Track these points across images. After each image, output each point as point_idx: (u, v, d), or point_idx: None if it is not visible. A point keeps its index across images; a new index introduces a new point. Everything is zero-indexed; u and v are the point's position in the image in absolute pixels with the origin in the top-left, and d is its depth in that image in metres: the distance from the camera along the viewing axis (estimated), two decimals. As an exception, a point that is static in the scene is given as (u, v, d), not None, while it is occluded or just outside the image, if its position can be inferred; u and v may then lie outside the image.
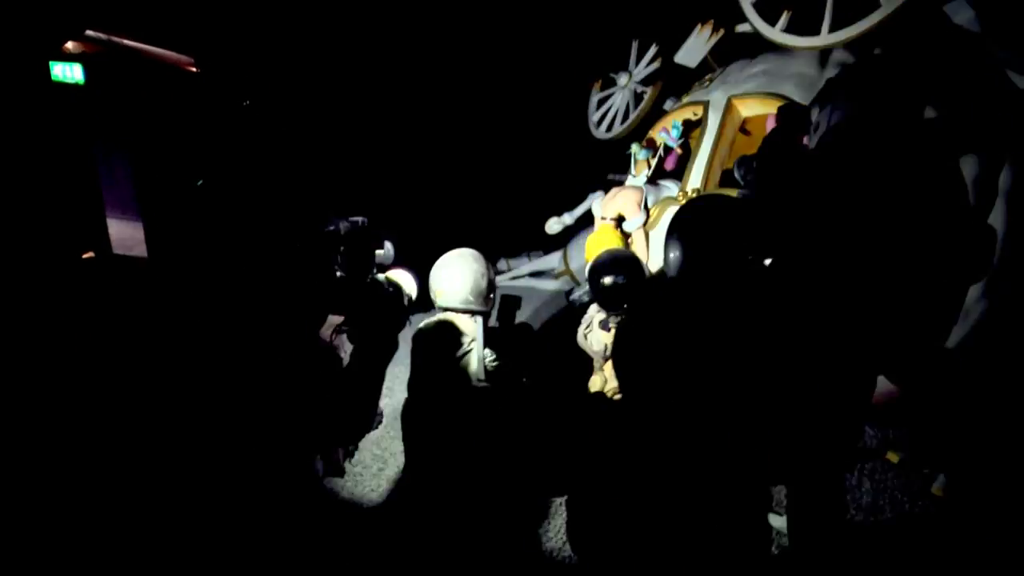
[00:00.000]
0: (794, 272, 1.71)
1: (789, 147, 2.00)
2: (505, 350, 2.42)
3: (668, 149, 3.56)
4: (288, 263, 1.78)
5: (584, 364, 3.95)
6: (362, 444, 2.83)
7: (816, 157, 1.79)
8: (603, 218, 3.36)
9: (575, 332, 2.61)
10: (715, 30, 3.70)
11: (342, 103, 5.84)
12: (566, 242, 5.04)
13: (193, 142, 5.30)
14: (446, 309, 2.26)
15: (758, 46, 3.44)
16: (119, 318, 3.85)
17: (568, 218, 4.38)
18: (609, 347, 2.36)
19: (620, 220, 3.34)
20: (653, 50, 4.25)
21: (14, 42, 4.42)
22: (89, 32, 4.97)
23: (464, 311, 2.24)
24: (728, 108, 3.27)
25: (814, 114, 1.93)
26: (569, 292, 2.81)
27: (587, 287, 2.79)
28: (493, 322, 2.44)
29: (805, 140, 2.01)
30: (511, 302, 2.51)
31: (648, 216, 3.32)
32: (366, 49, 5.64)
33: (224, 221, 4.73)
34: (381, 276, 2.20)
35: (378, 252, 2.15)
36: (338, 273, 1.88)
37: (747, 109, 3.24)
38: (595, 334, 2.44)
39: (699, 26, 3.75)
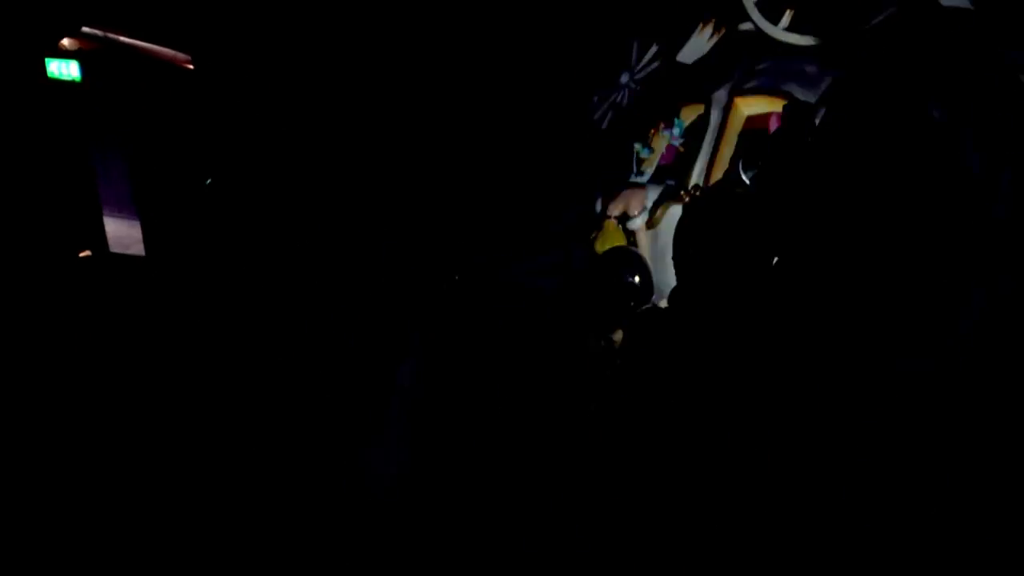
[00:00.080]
0: (801, 270, 1.72)
1: (795, 146, 2.00)
2: (509, 348, 2.43)
3: (670, 147, 3.57)
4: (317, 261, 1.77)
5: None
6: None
7: (823, 156, 1.79)
8: (606, 216, 3.37)
9: (577, 330, 2.62)
10: (717, 29, 3.70)
11: (340, 100, 5.82)
12: (564, 241, 5.04)
13: (191, 140, 5.27)
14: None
15: (760, 44, 3.45)
16: (118, 318, 3.82)
17: (568, 217, 4.38)
18: (616, 343, 2.37)
19: (622, 218, 3.35)
20: (654, 48, 4.24)
21: (9, 38, 4.39)
22: (86, 29, 4.93)
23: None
24: (730, 106, 3.27)
25: (821, 113, 1.93)
26: (572, 290, 2.81)
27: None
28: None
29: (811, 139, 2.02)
30: (513, 300, 2.51)
31: (651, 214, 3.32)
32: (363, 46, 5.61)
33: (224, 219, 4.70)
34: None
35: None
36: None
37: (749, 107, 3.25)
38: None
39: (701, 25, 3.75)
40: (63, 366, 3.15)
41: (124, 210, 5.60)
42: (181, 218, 5.01)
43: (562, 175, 4.97)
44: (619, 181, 4.05)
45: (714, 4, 3.68)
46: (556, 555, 2.21)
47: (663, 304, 2.35)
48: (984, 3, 2.60)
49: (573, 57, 4.85)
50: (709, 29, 3.75)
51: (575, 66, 4.84)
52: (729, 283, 1.44)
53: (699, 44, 3.78)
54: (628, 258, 2.34)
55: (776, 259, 1.50)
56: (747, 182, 2.20)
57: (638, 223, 3.33)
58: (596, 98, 4.80)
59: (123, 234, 5.39)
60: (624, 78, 4.45)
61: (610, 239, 3.53)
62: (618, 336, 2.37)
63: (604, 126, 4.60)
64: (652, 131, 3.80)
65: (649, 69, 4.25)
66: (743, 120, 3.28)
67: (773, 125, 3.40)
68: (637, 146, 3.66)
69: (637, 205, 3.31)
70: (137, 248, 5.15)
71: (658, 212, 3.30)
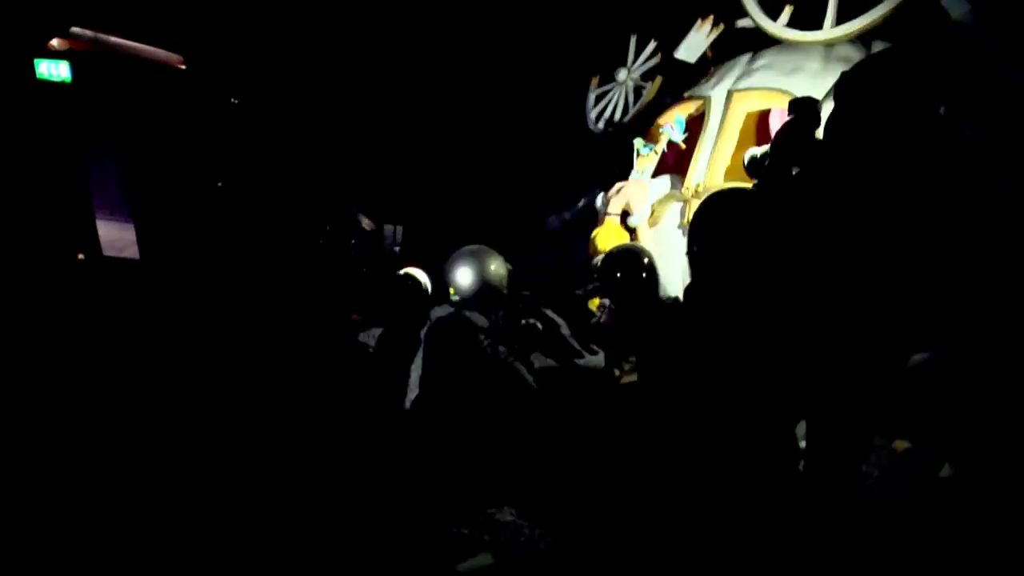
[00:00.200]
0: (812, 265, 1.72)
1: (803, 141, 2.00)
2: (515, 346, 2.41)
3: (671, 144, 3.57)
4: (307, 260, 1.75)
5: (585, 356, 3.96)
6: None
7: (832, 151, 1.79)
8: (608, 214, 3.36)
9: (579, 328, 2.61)
10: (715, 25, 3.71)
11: (334, 99, 5.77)
12: (565, 238, 5.04)
13: (183, 140, 5.21)
14: (462, 304, 2.24)
15: (759, 41, 3.46)
16: (112, 322, 3.77)
17: (568, 214, 4.37)
18: (621, 340, 2.36)
19: (624, 215, 3.35)
20: (652, 45, 4.24)
21: (-3, 39, 4.31)
22: (75, 29, 4.85)
23: (479, 306, 2.23)
24: (730, 103, 3.28)
25: (828, 107, 1.93)
26: (576, 287, 2.81)
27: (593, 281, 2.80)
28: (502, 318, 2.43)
29: (818, 134, 2.03)
30: (517, 299, 2.50)
31: (652, 211, 3.33)
32: (359, 44, 5.58)
33: (219, 220, 4.65)
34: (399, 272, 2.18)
35: (386, 235, 2.13)
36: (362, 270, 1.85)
37: (749, 104, 3.26)
38: (607, 328, 2.44)
39: (699, 21, 3.76)
40: (57, 372, 3.10)
41: (117, 213, 5.52)
42: (176, 220, 4.94)
43: (561, 173, 4.97)
44: (619, 178, 4.05)
45: (712, 1, 3.69)
46: (565, 550, 2.20)
47: (668, 299, 2.36)
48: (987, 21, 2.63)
49: (571, 54, 4.84)
50: (707, 26, 3.75)
51: (573, 63, 4.84)
52: (745, 278, 1.44)
53: (697, 40, 3.78)
54: (637, 254, 2.33)
55: (791, 253, 1.50)
56: (755, 176, 2.19)
57: (640, 220, 3.32)
58: (593, 95, 4.80)
59: (116, 237, 5.31)
60: (622, 75, 4.45)
61: (611, 236, 3.53)
62: (624, 332, 2.37)
63: (603, 123, 4.60)
64: (652, 128, 3.80)
65: (647, 66, 4.25)
66: (743, 116, 3.29)
67: (773, 121, 3.42)
68: (637, 143, 3.65)
69: (638, 202, 3.31)
70: (132, 251, 5.07)
71: (659, 209, 3.30)
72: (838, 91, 1.85)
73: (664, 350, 1.54)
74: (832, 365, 1.66)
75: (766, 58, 3.34)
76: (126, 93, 5.11)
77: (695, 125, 3.51)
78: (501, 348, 2.18)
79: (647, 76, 4.28)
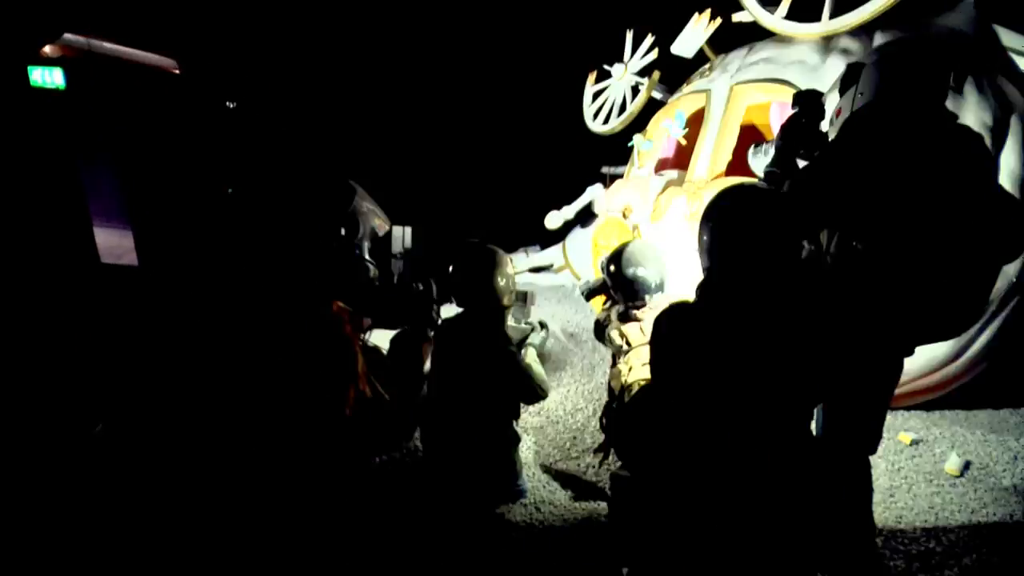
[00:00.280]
0: (829, 257, 1.72)
1: (808, 134, 2.00)
2: (520, 346, 2.41)
3: (671, 139, 3.56)
4: (316, 263, 1.73)
5: (589, 355, 3.97)
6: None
7: (842, 142, 1.79)
8: (608, 211, 3.35)
9: (581, 325, 2.60)
10: (712, 19, 3.71)
11: (330, 101, 5.75)
12: (563, 236, 5.04)
13: (179, 144, 5.18)
14: (467, 306, 2.24)
15: (756, 34, 3.46)
16: (113, 328, 3.74)
17: (569, 211, 4.37)
18: (629, 338, 2.36)
19: (625, 212, 3.33)
20: (648, 41, 4.24)
21: (-11, 47, 4.27)
22: (68, 35, 4.83)
23: (485, 308, 2.22)
24: (730, 96, 3.27)
25: (835, 99, 1.93)
26: (584, 286, 2.80)
27: (593, 279, 2.80)
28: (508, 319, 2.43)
29: (823, 126, 2.02)
30: (520, 298, 2.49)
31: (655, 207, 3.32)
32: (355, 44, 5.55)
33: (222, 224, 4.63)
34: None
35: (395, 236, 2.11)
36: (371, 272, 1.84)
37: (750, 97, 3.25)
38: (614, 326, 2.43)
39: (696, 15, 3.75)
40: (56, 381, 3.09)
41: (114, 220, 5.49)
42: (174, 225, 4.91)
43: (555, 170, 4.97)
44: (619, 175, 4.04)
45: (708, -6, 3.69)
46: (573, 553, 2.20)
47: (700, 295, 2.36)
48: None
49: (567, 49, 4.83)
50: (704, 20, 3.75)
51: (569, 59, 4.83)
52: (759, 272, 1.43)
53: (694, 35, 3.78)
54: (647, 250, 2.32)
55: (806, 247, 1.49)
56: (761, 171, 2.18)
57: (642, 216, 3.31)
58: (590, 92, 4.80)
59: (114, 244, 5.28)
60: (619, 71, 4.45)
61: (613, 233, 3.52)
62: (627, 329, 2.36)
63: (601, 120, 4.59)
64: (652, 123, 3.80)
65: (644, 61, 4.25)
66: (743, 110, 3.29)
67: (774, 113, 3.42)
68: (637, 139, 3.65)
69: (640, 199, 3.30)
70: (130, 258, 5.04)
71: (663, 204, 3.30)
72: (849, 82, 1.84)
73: (681, 345, 1.53)
74: (849, 356, 1.67)
75: (765, 51, 3.33)
76: (121, 98, 5.08)
77: (695, 120, 3.51)
78: (511, 348, 2.18)
79: (644, 72, 4.28)
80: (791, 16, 3.13)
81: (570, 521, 2.33)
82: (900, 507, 2.39)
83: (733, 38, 3.69)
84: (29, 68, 4.65)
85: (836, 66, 2.88)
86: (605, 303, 2.68)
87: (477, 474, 2.25)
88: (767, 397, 1.40)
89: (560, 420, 3.11)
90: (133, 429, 2.62)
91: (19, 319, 3.63)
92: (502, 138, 5.39)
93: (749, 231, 1.40)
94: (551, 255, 5.23)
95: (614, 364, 2.51)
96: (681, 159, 3.54)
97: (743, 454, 1.44)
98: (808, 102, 2.02)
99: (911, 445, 2.81)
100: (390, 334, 2.15)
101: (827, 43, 3.08)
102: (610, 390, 2.45)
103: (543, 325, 2.49)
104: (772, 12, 3.23)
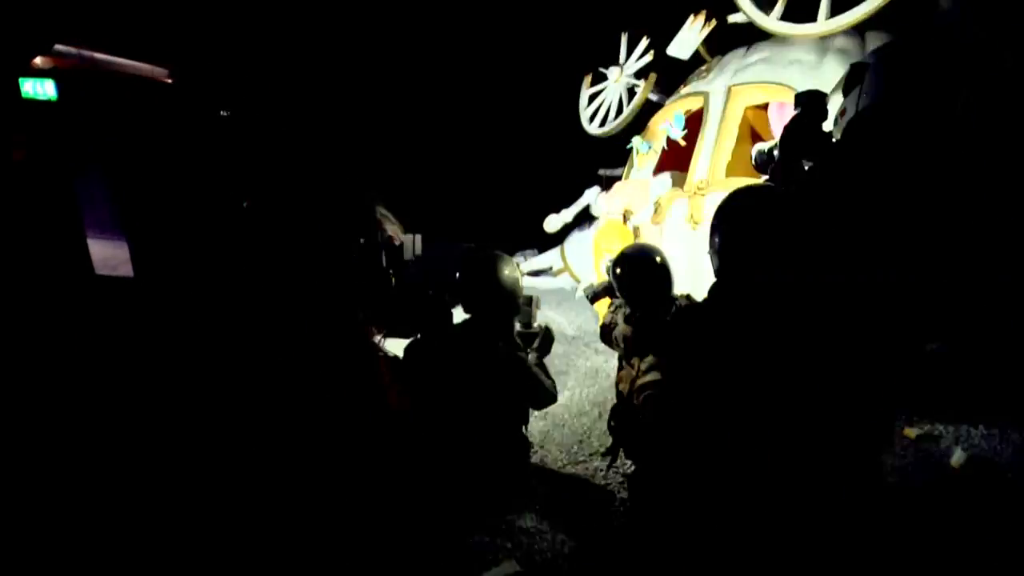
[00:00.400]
0: (836, 258, 1.72)
1: (811, 135, 2.01)
2: (527, 350, 2.41)
3: (670, 141, 3.57)
4: (341, 274, 1.73)
5: (592, 357, 3.97)
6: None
7: (846, 142, 1.80)
8: (610, 213, 3.35)
9: (583, 328, 2.60)
10: (707, 21, 3.72)
11: (325, 107, 5.73)
12: (560, 240, 5.03)
13: (173, 154, 5.15)
14: (474, 312, 2.23)
15: (753, 35, 3.48)
16: (109, 341, 3.70)
17: (568, 215, 4.37)
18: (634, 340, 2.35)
19: (626, 214, 3.34)
20: (644, 43, 4.25)
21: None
22: (59, 47, 4.79)
23: (492, 313, 2.22)
24: (729, 97, 3.28)
25: (839, 99, 1.94)
26: (588, 289, 2.80)
27: (597, 282, 2.80)
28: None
29: (826, 126, 2.03)
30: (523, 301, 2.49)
31: (656, 209, 3.32)
32: (351, 46, 5.54)
33: (217, 233, 4.59)
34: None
35: (405, 245, 2.11)
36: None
37: (748, 98, 3.26)
38: (621, 329, 2.43)
39: (691, 17, 3.77)
40: (52, 394, 3.05)
41: (107, 231, 5.43)
42: (170, 235, 4.87)
43: (552, 174, 4.97)
44: (616, 177, 4.05)
45: (703, -4, 3.70)
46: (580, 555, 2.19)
47: (678, 296, 2.35)
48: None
49: (563, 52, 4.84)
50: (699, 22, 3.76)
51: (565, 61, 4.83)
52: (770, 275, 1.43)
53: (690, 37, 3.79)
54: (652, 253, 2.32)
55: (817, 248, 1.49)
56: (765, 171, 2.19)
57: (642, 219, 3.31)
58: (586, 94, 4.80)
59: (108, 255, 5.23)
60: (614, 74, 4.45)
61: (613, 236, 3.52)
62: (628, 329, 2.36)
63: (598, 123, 4.60)
64: (650, 126, 3.80)
65: (640, 64, 4.25)
66: (742, 111, 3.30)
67: (772, 114, 3.44)
68: (636, 141, 3.66)
69: (640, 201, 3.30)
70: (125, 269, 5.00)
71: (663, 206, 3.30)
72: (853, 83, 1.85)
73: (694, 347, 1.53)
74: (856, 354, 1.67)
75: (763, 52, 3.35)
76: (113, 109, 5.04)
77: (694, 121, 3.52)
78: (520, 353, 2.17)
79: (640, 74, 4.28)
80: (787, 17, 3.14)
81: (579, 526, 2.32)
82: (905, 502, 2.40)
83: (729, 39, 3.70)
84: (20, 80, 4.62)
85: (834, 66, 2.89)
86: (610, 306, 2.67)
87: (486, 480, 2.23)
88: (784, 391, 1.39)
89: (566, 424, 3.10)
90: (132, 436, 2.60)
91: (12, 331, 3.59)
92: (498, 142, 5.39)
93: (761, 232, 1.40)
94: (549, 258, 5.23)
95: (621, 367, 2.51)
96: (680, 161, 3.55)
97: (756, 451, 1.44)
98: (810, 103, 2.03)
99: (916, 440, 2.82)
100: (403, 343, 2.15)
101: (824, 43, 3.10)
102: (618, 392, 2.44)
103: (547, 329, 2.49)
104: (768, 13, 3.25)
